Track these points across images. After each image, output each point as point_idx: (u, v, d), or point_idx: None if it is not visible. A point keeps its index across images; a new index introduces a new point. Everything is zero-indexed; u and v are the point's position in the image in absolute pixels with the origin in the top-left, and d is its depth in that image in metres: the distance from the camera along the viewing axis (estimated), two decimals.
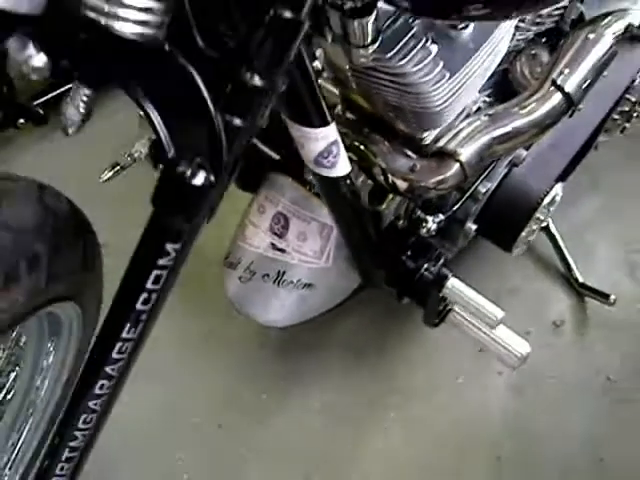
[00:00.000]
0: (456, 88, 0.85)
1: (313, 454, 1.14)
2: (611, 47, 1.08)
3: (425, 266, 0.98)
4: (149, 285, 0.60)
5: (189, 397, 1.19)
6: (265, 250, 1.03)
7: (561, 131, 1.10)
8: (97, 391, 0.67)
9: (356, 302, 1.14)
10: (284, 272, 1.03)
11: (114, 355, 0.64)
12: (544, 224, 1.15)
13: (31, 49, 0.50)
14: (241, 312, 1.08)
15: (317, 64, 0.90)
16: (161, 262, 0.59)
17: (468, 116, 1.01)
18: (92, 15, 0.48)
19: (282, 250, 1.02)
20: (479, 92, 1.03)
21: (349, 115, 0.95)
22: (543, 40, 1.14)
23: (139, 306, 0.61)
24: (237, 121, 0.55)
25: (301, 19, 0.54)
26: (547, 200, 1.07)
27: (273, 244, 1.03)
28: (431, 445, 1.14)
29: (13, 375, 0.82)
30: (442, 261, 1.02)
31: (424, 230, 0.98)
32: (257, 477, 1.12)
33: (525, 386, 1.20)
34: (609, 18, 1.17)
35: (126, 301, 0.62)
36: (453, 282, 0.96)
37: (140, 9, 0.49)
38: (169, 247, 0.59)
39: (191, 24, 0.54)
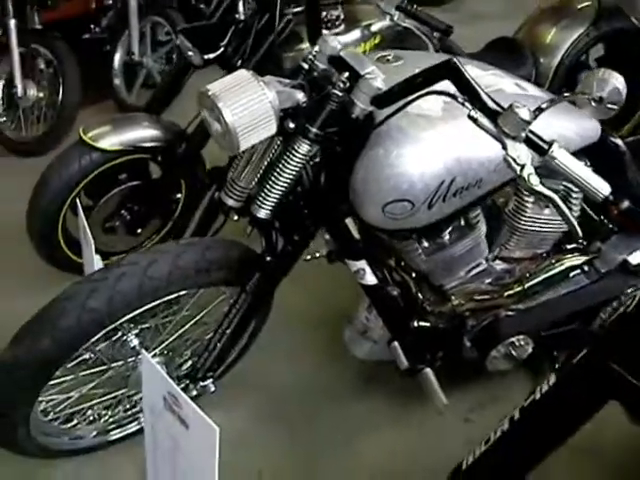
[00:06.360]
0: (436, 266, 1.78)
1: None
2: None
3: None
4: None
5: None
6: (362, 319, 2.04)
7: None
8: None
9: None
10: (365, 331, 2.03)
11: None
12: None
13: None
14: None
15: None
16: None
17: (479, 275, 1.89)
18: None
19: (368, 319, 2.03)
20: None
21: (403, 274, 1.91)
22: None
23: None
24: None
25: None
26: None
27: (366, 317, 2.04)
28: None
29: None
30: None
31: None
32: None
33: None
34: None
35: None
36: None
37: None
38: None
39: None
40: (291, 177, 1.51)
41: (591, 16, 2.67)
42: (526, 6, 3.14)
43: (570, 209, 1.83)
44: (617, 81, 1.40)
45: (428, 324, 1.87)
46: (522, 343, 1.91)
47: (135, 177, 2.42)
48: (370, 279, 1.77)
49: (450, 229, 1.75)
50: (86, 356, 1.71)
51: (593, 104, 1.41)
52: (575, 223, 1.32)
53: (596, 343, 0.92)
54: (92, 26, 3.89)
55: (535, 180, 1.26)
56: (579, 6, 2.76)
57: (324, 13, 2.33)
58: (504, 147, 1.27)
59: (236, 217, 1.60)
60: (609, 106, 1.41)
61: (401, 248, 1.77)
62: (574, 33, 2.67)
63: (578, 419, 0.96)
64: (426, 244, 1.75)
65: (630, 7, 1.10)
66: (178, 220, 2.53)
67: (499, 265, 1.91)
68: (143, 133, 2.29)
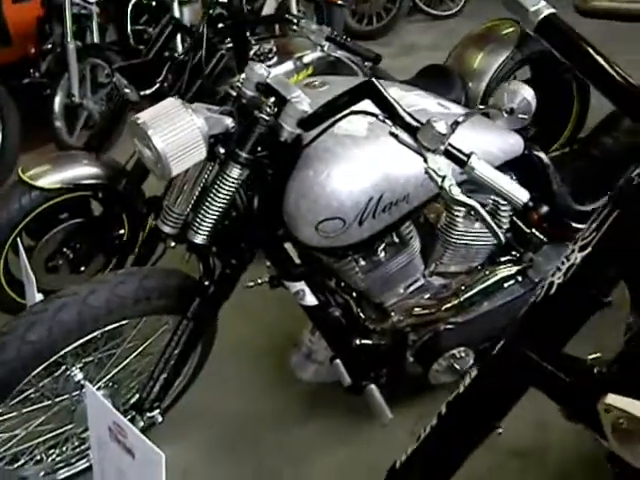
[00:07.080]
0: (374, 284, 1.83)
1: None
2: None
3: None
4: None
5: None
6: (307, 342, 2.07)
7: None
8: None
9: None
10: (310, 354, 2.06)
11: None
12: None
13: None
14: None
15: None
16: None
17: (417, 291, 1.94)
18: None
19: (312, 342, 2.06)
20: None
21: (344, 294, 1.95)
22: None
23: None
24: None
25: None
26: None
27: (310, 339, 2.07)
28: None
29: None
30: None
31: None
32: None
33: None
34: None
35: None
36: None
37: None
38: None
39: None
40: (224, 202, 1.54)
41: (515, 40, 2.79)
42: (456, 36, 3.27)
43: (500, 222, 1.91)
44: (526, 92, 1.48)
45: (370, 341, 1.90)
46: (463, 355, 1.96)
47: (76, 215, 2.43)
48: (310, 300, 1.80)
49: (384, 246, 1.80)
50: (30, 392, 1.70)
51: (505, 115, 1.49)
52: (496, 228, 1.38)
53: (512, 333, 0.96)
54: (32, 70, 3.91)
55: (456, 190, 1.32)
56: (503, 32, 2.89)
57: (257, 47, 2.39)
58: (425, 160, 1.33)
59: (173, 244, 1.63)
60: (520, 116, 1.49)
61: (339, 268, 1.81)
62: (499, 57, 2.79)
63: (501, 408, 1.00)
64: (363, 262, 1.81)
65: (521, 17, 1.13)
66: (122, 256, 2.53)
67: (436, 280, 1.97)
68: (82, 171, 2.31)
